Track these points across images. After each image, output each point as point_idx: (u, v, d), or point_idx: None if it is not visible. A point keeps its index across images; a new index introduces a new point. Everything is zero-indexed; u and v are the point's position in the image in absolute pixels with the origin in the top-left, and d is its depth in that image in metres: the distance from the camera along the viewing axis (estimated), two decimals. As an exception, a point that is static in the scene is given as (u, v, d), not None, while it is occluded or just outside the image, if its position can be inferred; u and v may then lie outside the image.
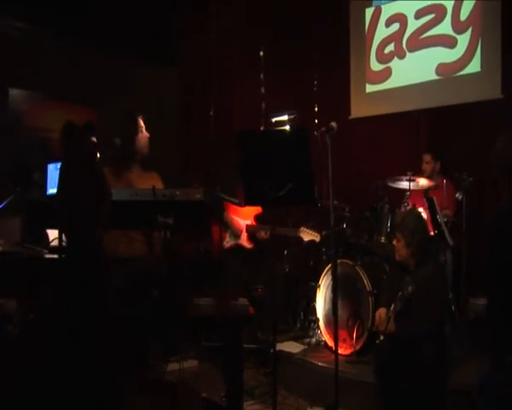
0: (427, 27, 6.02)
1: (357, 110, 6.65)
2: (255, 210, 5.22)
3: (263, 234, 5.10)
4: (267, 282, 4.94)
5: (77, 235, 2.65)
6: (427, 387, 3.37)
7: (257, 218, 5.26)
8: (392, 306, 3.61)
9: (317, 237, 4.77)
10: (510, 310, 2.49)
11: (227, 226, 5.21)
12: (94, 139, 3.66)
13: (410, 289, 3.50)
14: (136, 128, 3.66)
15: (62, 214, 2.76)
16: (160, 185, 3.70)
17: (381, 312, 3.70)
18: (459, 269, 4.66)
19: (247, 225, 5.18)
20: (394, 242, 3.76)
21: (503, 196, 2.60)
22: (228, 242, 5.20)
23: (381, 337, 3.82)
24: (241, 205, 5.11)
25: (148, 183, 3.37)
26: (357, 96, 6.69)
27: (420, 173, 5.21)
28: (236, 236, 5.18)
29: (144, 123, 3.76)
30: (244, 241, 5.18)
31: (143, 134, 3.68)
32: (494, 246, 2.60)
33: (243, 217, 5.21)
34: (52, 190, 5.03)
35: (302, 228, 4.81)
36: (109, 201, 2.82)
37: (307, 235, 4.78)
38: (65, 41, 6.10)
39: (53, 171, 5.12)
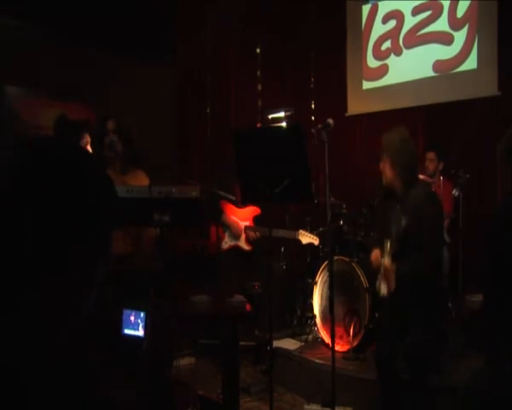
0: (423, 24, 6.01)
1: (354, 107, 6.65)
2: (254, 211, 5.16)
3: (252, 234, 5.02)
4: (264, 279, 4.92)
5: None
6: (421, 382, 3.36)
7: (255, 219, 5.18)
8: (388, 245, 3.37)
9: (316, 241, 4.76)
10: (507, 307, 2.49)
11: (226, 227, 5.11)
12: (87, 137, 3.63)
13: (403, 222, 3.33)
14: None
15: None
16: (145, 182, 3.65)
17: (376, 252, 3.52)
18: (456, 266, 4.66)
19: (245, 227, 5.10)
20: (381, 165, 3.53)
21: (506, 185, 2.57)
22: (226, 242, 5.12)
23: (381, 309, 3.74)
24: (238, 203, 5.08)
25: (129, 182, 3.33)
26: (353, 93, 6.69)
27: (422, 171, 5.17)
28: (235, 237, 5.10)
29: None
30: (243, 242, 5.09)
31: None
32: (492, 239, 2.59)
33: (242, 218, 5.13)
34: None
35: (301, 231, 4.79)
36: None
37: (306, 238, 4.76)
38: (62, 38, 6.08)
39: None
